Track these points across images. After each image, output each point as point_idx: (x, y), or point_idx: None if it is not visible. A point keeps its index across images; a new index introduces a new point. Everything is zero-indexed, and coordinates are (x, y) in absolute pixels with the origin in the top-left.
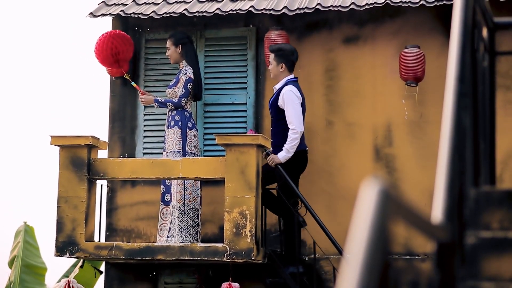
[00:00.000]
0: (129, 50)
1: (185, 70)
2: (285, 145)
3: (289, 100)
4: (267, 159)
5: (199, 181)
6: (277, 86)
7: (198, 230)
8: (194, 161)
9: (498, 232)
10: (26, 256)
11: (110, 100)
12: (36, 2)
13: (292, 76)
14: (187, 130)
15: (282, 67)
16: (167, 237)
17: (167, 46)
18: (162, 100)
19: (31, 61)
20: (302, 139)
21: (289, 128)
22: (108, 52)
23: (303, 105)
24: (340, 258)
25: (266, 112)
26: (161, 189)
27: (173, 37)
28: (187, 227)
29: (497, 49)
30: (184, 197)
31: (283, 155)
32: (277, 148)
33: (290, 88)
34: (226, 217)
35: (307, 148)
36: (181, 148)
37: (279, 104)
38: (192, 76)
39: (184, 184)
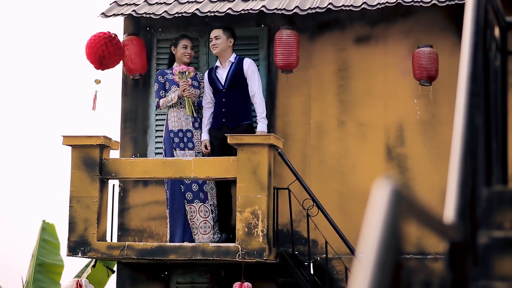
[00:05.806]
0: (115, 60)
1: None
2: (262, 114)
3: (256, 71)
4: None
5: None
6: (231, 59)
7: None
8: (206, 160)
9: (511, 231)
10: (42, 255)
11: (122, 100)
12: (49, 2)
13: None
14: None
15: (230, 42)
16: (214, 234)
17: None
18: None
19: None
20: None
21: (249, 99)
22: (95, 50)
23: None
24: (352, 258)
25: (278, 111)
26: (194, 187)
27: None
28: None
29: (509, 49)
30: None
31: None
32: (238, 118)
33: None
34: (238, 216)
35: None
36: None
37: (245, 72)
38: None
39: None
